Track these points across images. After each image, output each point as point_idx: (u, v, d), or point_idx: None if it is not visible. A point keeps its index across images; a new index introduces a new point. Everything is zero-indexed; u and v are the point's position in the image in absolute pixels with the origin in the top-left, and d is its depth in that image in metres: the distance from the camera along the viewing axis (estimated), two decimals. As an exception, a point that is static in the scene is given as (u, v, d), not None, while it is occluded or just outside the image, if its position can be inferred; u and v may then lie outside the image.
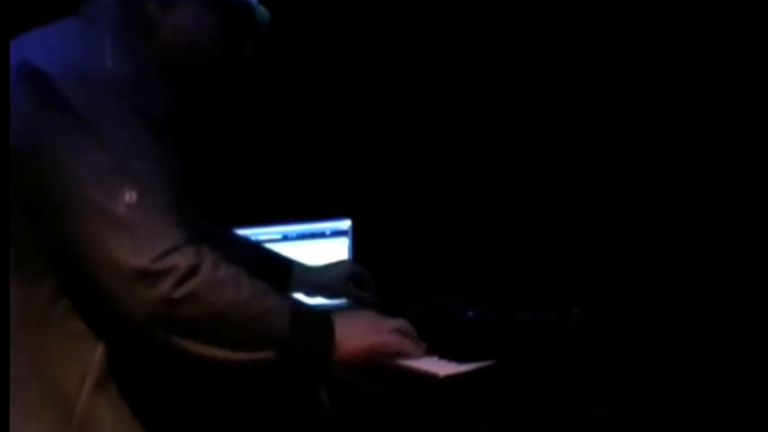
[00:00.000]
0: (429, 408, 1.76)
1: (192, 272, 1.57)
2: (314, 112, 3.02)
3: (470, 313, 2.06)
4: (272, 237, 2.77)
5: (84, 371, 1.65)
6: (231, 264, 1.65)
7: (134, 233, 1.55)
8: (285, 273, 2.23)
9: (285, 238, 2.79)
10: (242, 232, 2.72)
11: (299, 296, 2.27)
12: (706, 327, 2.13)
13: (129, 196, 1.56)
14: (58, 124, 1.59)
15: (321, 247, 2.77)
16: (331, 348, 1.70)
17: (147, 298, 1.54)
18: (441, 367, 1.76)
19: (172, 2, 1.74)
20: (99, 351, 1.66)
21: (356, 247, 2.77)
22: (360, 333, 1.76)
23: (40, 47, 1.67)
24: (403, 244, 2.83)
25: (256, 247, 2.35)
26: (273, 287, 1.72)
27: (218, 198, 2.84)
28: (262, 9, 1.87)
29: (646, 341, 1.99)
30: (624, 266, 2.35)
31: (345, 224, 2.79)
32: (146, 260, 1.54)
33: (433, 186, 2.87)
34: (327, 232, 2.80)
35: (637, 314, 2.05)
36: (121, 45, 1.69)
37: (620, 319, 1.98)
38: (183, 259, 1.56)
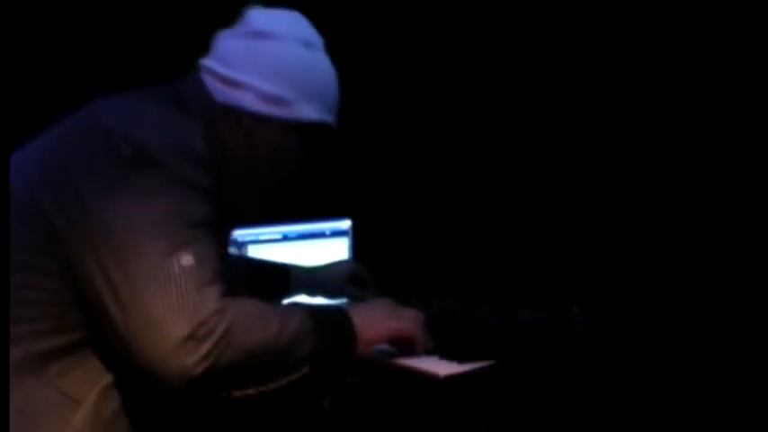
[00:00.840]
0: (429, 408, 1.76)
1: (227, 331, 1.58)
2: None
3: (470, 313, 2.07)
4: (272, 237, 2.77)
5: (63, 428, 1.66)
6: (253, 301, 1.67)
7: (183, 295, 1.56)
8: (283, 279, 2.24)
9: (285, 238, 2.78)
10: (242, 232, 2.72)
11: (300, 297, 2.27)
12: (706, 327, 2.13)
13: (186, 260, 1.58)
14: (137, 185, 1.61)
15: (321, 247, 2.77)
16: (353, 342, 1.75)
17: (191, 362, 1.55)
18: (441, 367, 1.76)
19: (266, 119, 1.80)
20: (80, 413, 1.67)
21: (356, 247, 2.77)
22: (377, 320, 1.80)
23: (127, 114, 1.71)
24: (403, 244, 2.83)
25: (248, 261, 2.37)
26: (273, 298, 1.75)
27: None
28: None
29: (646, 341, 1.99)
30: (624, 266, 2.34)
31: (345, 224, 2.79)
32: (192, 326, 1.55)
33: (432, 186, 2.87)
34: (327, 232, 2.80)
35: (637, 314, 2.05)
36: (208, 135, 1.73)
37: (620, 319, 1.98)
38: (222, 321, 1.58)
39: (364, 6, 2.90)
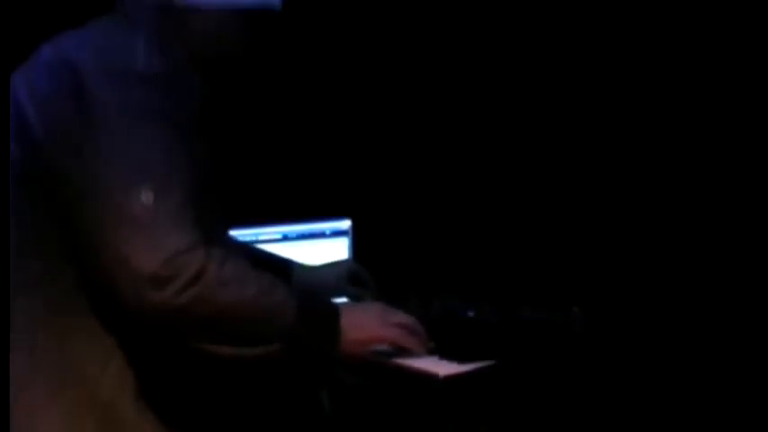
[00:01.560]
0: (429, 408, 1.76)
1: (199, 275, 1.58)
2: (314, 111, 3.02)
3: (470, 313, 2.06)
4: (272, 237, 2.77)
5: (106, 357, 1.68)
6: (238, 261, 1.68)
7: (148, 234, 1.57)
8: (284, 274, 2.24)
9: (285, 238, 2.78)
10: (242, 232, 2.72)
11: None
12: (705, 327, 2.13)
13: (146, 197, 1.58)
14: (86, 119, 1.61)
15: (321, 247, 2.77)
16: (336, 338, 1.73)
17: (156, 301, 1.56)
18: (441, 367, 1.76)
19: (198, 8, 1.78)
20: (119, 340, 1.69)
21: (356, 247, 2.77)
22: (366, 324, 1.79)
23: (74, 42, 1.71)
24: (403, 244, 2.83)
25: (251, 251, 2.36)
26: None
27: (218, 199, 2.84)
28: None
29: (645, 341, 1.99)
30: (624, 266, 2.34)
31: (345, 224, 2.79)
32: (157, 263, 1.56)
33: (433, 186, 2.87)
34: (327, 232, 2.80)
35: (637, 314, 2.05)
36: (153, 45, 1.72)
37: (620, 319, 1.98)
38: (191, 262, 1.58)
39: (364, 6, 2.90)
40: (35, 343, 1.65)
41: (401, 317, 1.85)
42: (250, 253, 2.31)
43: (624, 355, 1.91)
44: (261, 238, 2.74)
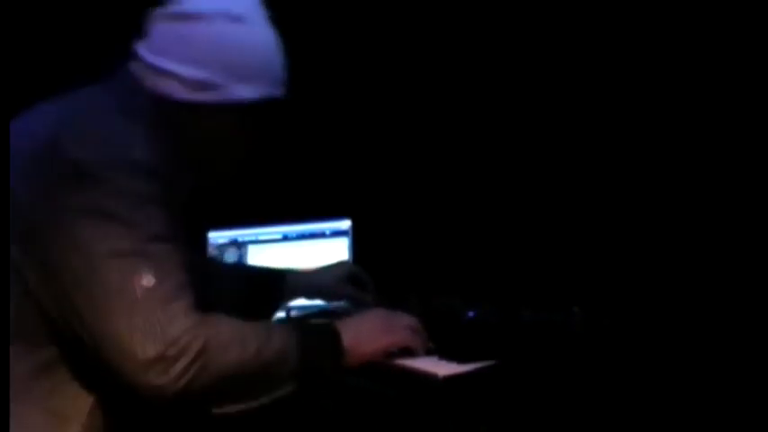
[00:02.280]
0: (429, 408, 1.76)
1: (202, 352, 1.57)
2: (314, 112, 3.02)
3: (471, 313, 2.06)
4: (272, 237, 2.77)
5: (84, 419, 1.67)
6: (231, 320, 1.65)
7: (149, 319, 1.55)
8: (278, 285, 2.23)
9: (285, 238, 2.78)
10: (242, 232, 2.72)
11: (300, 301, 2.27)
12: (706, 327, 2.13)
13: (147, 280, 1.56)
14: (83, 204, 1.58)
15: (321, 247, 2.77)
16: (341, 359, 1.74)
17: (163, 383, 1.55)
18: (441, 367, 1.76)
19: (197, 106, 1.74)
20: (73, 428, 1.67)
21: (356, 248, 2.77)
22: (370, 337, 1.78)
23: (69, 127, 1.66)
24: (403, 244, 2.82)
25: (243, 268, 2.36)
26: (270, 304, 1.73)
27: (218, 198, 2.84)
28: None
29: (646, 341, 1.99)
30: (624, 266, 2.34)
31: (345, 224, 2.79)
32: (160, 347, 1.54)
33: (433, 186, 2.87)
34: (327, 232, 2.80)
35: (637, 314, 2.05)
36: (150, 136, 1.68)
37: (619, 319, 1.97)
38: (195, 340, 1.56)
39: (364, 7, 2.90)
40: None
41: (403, 318, 1.85)
42: (243, 272, 2.32)
43: (624, 355, 1.91)
44: (261, 238, 2.75)
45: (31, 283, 1.61)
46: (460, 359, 1.78)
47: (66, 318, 1.60)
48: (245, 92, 1.75)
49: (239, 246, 2.75)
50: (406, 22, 2.88)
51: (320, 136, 3.02)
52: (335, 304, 2.30)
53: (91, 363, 1.61)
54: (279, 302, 2.24)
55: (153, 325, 1.54)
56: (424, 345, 1.84)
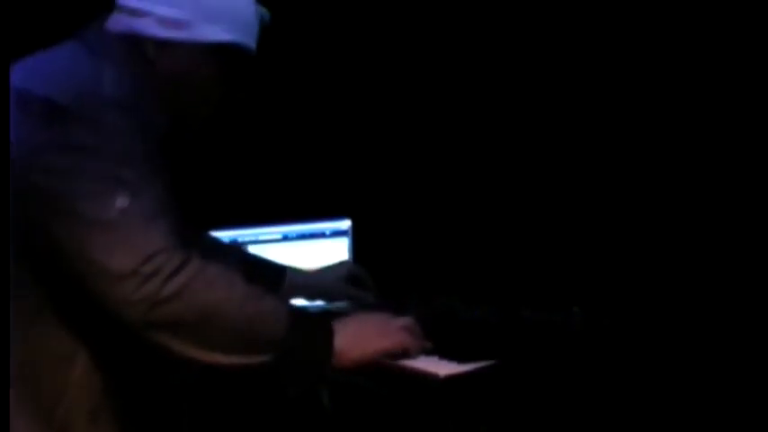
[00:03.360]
0: (429, 408, 1.76)
1: (180, 269, 1.59)
2: (314, 112, 3.02)
3: (470, 313, 2.06)
4: (272, 237, 2.77)
5: (62, 389, 1.69)
6: (225, 266, 1.68)
7: (125, 236, 1.59)
8: (277, 278, 2.23)
9: (285, 238, 2.78)
10: (242, 232, 2.72)
11: (299, 301, 2.27)
12: (706, 327, 2.13)
13: (121, 201, 1.60)
14: (56, 140, 1.63)
15: (321, 247, 2.77)
16: (329, 356, 1.72)
17: (136, 298, 1.57)
18: (441, 367, 1.75)
19: (166, 42, 1.79)
20: (77, 370, 1.70)
21: (356, 248, 2.77)
22: (365, 341, 1.77)
23: (39, 72, 1.73)
24: (403, 244, 2.83)
25: (245, 254, 2.36)
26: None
27: (218, 198, 2.84)
28: (261, 9, 1.89)
29: (646, 341, 1.99)
30: (624, 267, 2.34)
31: (345, 224, 2.79)
32: (135, 261, 1.57)
33: (433, 186, 2.87)
34: (327, 232, 2.80)
35: (637, 314, 2.05)
36: (119, 73, 1.74)
37: (619, 319, 1.98)
38: (172, 258, 1.59)
39: (364, 7, 2.90)
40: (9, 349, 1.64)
41: (399, 321, 1.84)
42: (243, 256, 2.31)
43: (624, 355, 1.91)
44: (261, 238, 2.74)
45: (18, 222, 1.64)
46: (460, 359, 1.78)
47: (48, 251, 1.63)
48: (213, 33, 1.80)
49: (239, 245, 2.75)
50: (407, 22, 2.88)
51: (320, 136, 3.02)
52: (336, 304, 2.29)
53: (78, 299, 1.64)
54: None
55: (128, 241, 1.58)
56: (421, 346, 1.83)
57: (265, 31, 1.91)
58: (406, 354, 1.81)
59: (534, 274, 2.39)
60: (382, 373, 1.79)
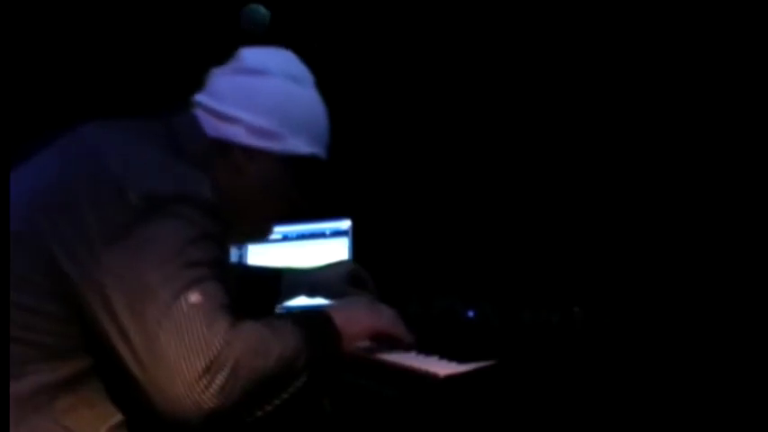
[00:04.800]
0: (429, 408, 1.76)
1: (238, 361, 1.58)
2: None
3: (470, 313, 2.06)
4: (272, 237, 2.77)
5: None
6: (249, 322, 1.67)
7: (196, 333, 1.56)
8: (274, 284, 2.25)
9: (285, 238, 2.79)
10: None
11: (300, 300, 2.27)
12: (707, 327, 2.13)
13: (195, 297, 1.58)
14: (146, 229, 1.61)
15: (321, 247, 2.77)
16: (338, 342, 1.78)
17: (206, 398, 1.55)
18: (441, 367, 1.76)
19: (256, 151, 1.85)
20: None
21: (356, 247, 2.77)
22: (358, 318, 1.84)
23: (139, 163, 1.69)
24: (403, 244, 2.83)
25: (239, 269, 2.38)
26: (266, 304, 1.75)
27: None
28: (262, 9, 1.91)
29: (646, 341, 1.99)
30: (624, 266, 2.34)
31: (345, 224, 2.79)
32: (207, 361, 1.55)
33: (433, 186, 2.87)
34: (327, 232, 2.80)
35: (637, 314, 2.05)
36: (214, 178, 1.74)
37: (620, 319, 1.98)
38: (232, 353, 1.58)
39: (364, 8, 2.90)
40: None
41: (384, 307, 1.92)
42: (239, 271, 2.32)
43: (624, 355, 1.91)
44: (261, 238, 2.74)
45: (77, 299, 1.62)
46: (460, 359, 1.78)
47: (111, 340, 1.60)
48: (300, 146, 1.89)
49: (239, 246, 2.75)
50: (407, 22, 2.88)
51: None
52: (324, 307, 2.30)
53: (119, 385, 1.63)
54: (275, 302, 2.25)
55: (199, 340, 1.56)
56: (407, 334, 1.89)
57: (266, 30, 1.91)
58: (393, 340, 1.84)
59: (534, 275, 2.39)
60: (382, 373, 1.80)
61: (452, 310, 2.08)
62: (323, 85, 2.98)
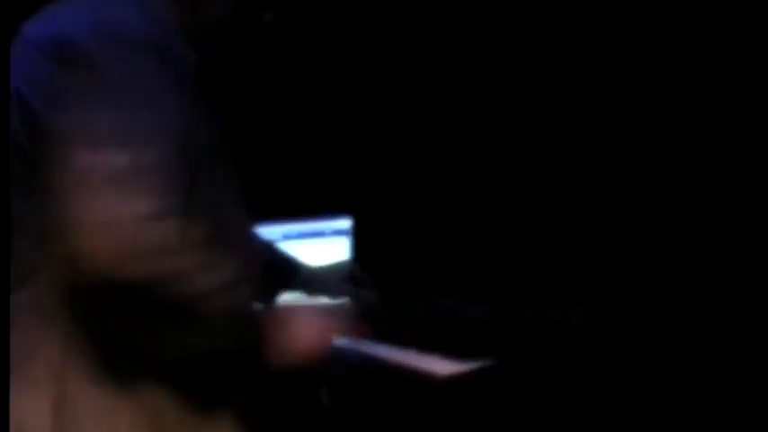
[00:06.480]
0: (429, 408, 1.76)
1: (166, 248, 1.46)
2: (314, 110, 3.02)
3: (471, 313, 2.06)
4: (273, 236, 2.77)
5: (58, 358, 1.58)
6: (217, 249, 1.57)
7: (119, 192, 1.44)
8: (293, 275, 2.23)
9: (286, 237, 2.79)
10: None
11: (298, 297, 2.27)
12: (707, 327, 2.13)
13: (123, 159, 1.45)
14: (82, 80, 1.53)
15: (321, 246, 2.77)
16: (258, 347, 1.64)
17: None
18: (441, 367, 1.76)
19: None
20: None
21: (357, 247, 2.77)
22: (298, 335, 1.68)
23: (65, 18, 1.63)
24: (403, 244, 2.83)
25: (270, 248, 2.34)
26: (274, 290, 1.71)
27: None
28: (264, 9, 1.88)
29: (646, 341, 1.99)
30: (624, 267, 2.35)
31: (346, 223, 2.79)
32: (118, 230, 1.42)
33: (433, 186, 2.87)
34: (328, 231, 2.80)
35: (637, 314, 2.05)
36: (145, 9, 1.65)
37: (620, 319, 1.98)
38: (162, 231, 1.46)
39: (364, 7, 2.90)
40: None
41: (334, 315, 1.79)
42: (268, 250, 2.28)
43: (625, 355, 1.91)
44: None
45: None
46: (460, 359, 1.78)
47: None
48: None
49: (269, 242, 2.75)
50: (407, 21, 2.88)
51: (321, 135, 3.02)
52: (337, 302, 2.30)
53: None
54: (283, 291, 2.22)
55: (136, 189, 1.44)
56: (363, 330, 1.81)
57: (266, 30, 1.91)
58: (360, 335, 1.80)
59: (535, 274, 2.39)
60: (382, 373, 1.80)
61: (452, 310, 2.08)
62: (324, 84, 2.98)
